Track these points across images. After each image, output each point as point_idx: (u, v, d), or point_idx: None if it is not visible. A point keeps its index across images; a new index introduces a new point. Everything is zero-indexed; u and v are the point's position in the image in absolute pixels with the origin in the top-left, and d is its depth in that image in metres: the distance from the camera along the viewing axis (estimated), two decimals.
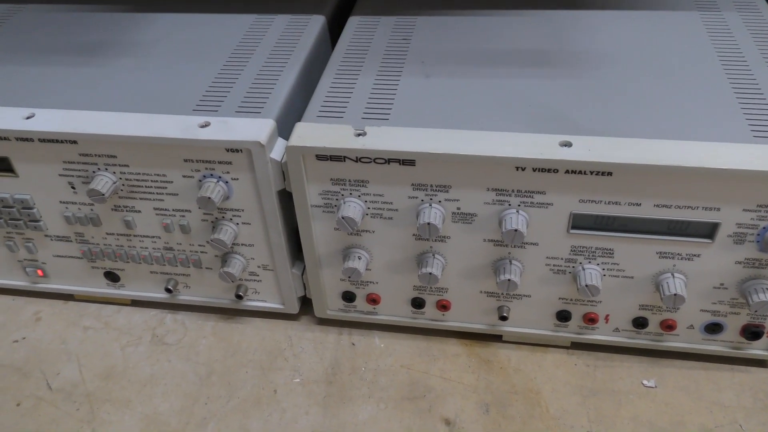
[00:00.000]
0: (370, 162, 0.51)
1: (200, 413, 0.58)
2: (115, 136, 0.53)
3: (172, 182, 0.56)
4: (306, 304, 0.65)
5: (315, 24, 0.68)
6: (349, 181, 0.52)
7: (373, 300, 0.61)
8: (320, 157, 0.51)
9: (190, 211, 0.58)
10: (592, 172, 0.48)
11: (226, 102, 0.56)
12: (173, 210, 0.58)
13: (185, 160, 0.54)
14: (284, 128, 0.55)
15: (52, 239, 0.63)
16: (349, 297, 0.61)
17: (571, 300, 0.57)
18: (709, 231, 0.50)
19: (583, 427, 0.55)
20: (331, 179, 0.53)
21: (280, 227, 0.57)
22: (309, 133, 0.51)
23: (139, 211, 0.59)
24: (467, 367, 0.60)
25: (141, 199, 0.58)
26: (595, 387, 0.58)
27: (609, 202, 0.50)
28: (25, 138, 0.55)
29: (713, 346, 0.58)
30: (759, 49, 0.59)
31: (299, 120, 0.54)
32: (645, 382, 0.58)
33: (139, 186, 0.57)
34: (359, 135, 0.51)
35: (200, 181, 0.55)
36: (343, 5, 0.75)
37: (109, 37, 0.67)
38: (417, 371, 0.60)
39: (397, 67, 0.60)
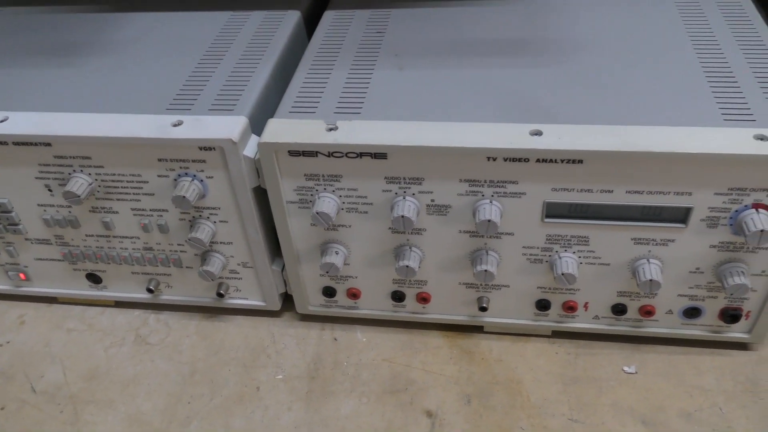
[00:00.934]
0: (343, 156, 0.51)
1: (183, 412, 0.58)
2: (89, 137, 0.53)
3: (147, 182, 0.56)
4: (288, 300, 0.65)
5: (290, 19, 0.68)
6: (323, 176, 0.52)
7: (353, 294, 0.61)
8: (293, 153, 0.51)
9: (167, 210, 0.58)
10: (562, 161, 0.48)
11: (199, 100, 0.56)
12: (150, 210, 0.58)
13: (159, 160, 0.54)
14: (258, 125, 0.55)
15: (32, 242, 0.63)
16: (329, 292, 0.61)
17: (550, 289, 0.57)
18: (682, 216, 0.50)
19: (564, 415, 0.55)
20: (305, 175, 0.53)
21: (257, 224, 0.57)
22: (281, 129, 0.51)
23: (117, 212, 0.59)
24: (449, 359, 0.60)
25: (118, 200, 0.58)
26: (576, 375, 0.58)
27: (581, 190, 0.50)
28: None
29: (692, 331, 0.58)
30: (732, 33, 0.59)
31: (272, 117, 0.54)
32: (626, 368, 0.58)
33: (115, 187, 0.57)
34: (331, 130, 0.51)
35: (175, 180, 0.55)
36: (319, 1, 0.75)
37: (83, 38, 0.67)
38: (399, 364, 0.60)
39: (371, 60, 0.60)
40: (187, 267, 0.62)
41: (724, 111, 0.49)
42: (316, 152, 0.51)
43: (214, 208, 0.57)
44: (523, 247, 0.54)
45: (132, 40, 0.66)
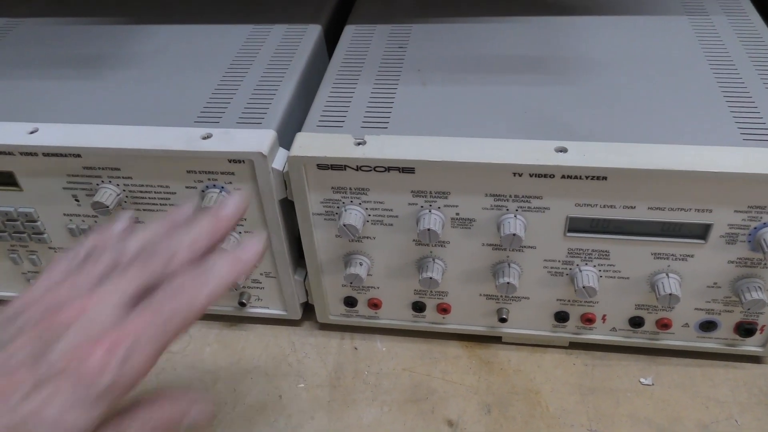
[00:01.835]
0: (371, 170, 0.52)
1: None
2: (119, 149, 0.54)
3: (175, 193, 0.57)
4: (308, 309, 0.66)
5: (312, 33, 0.69)
6: (350, 189, 0.53)
7: (374, 305, 0.62)
8: (321, 167, 0.52)
9: None
10: (587, 177, 0.49)
11: (227, 113, 0.57)
12: None
13: (188, 172, 0.55)
14: (284, 137, 0.56)
15: (56, 251, 0.64)
16: (350, 302, 0.62)
17: (569, 301, 0.58)
18: (702, 232, 0.51)
19: (583, 426, 0.56)
20: (332, 187, 0.54)
21: (283, 235, 0.58)
22: (310, 143, 0.53)
23: (143, 222, 0.60)
24: (468, 369, 0.61)
25: (144, 210, 0.59)
26: (594, 385, 0.59)
27: (604, 206, 0.51)
28: (29, 152, 0.56)
29: (708, 344, 0.59)
30: (747, 53, 0.61)
31: (298, 129, 0.55)
32: (642, 380, 0.59)
33: (142, 197, 0.58)
34: (359, 144, 0.52)
35: (203, 191, 0.56)
36: (339, 14, 0.76)
37: (109, 50, 0.68)
38: (419, 374, 0.61)
39: (394, 75, 0.61)
40: None
41: (743, 130, 0.51)
42: (345, 166, 0.52)
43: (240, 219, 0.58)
44: (545, 260, 0.55)
45: (156, 52, 0.67)
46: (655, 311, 0.57)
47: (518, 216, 0.52)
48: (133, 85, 0.62)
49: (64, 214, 0.61)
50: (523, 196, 0.51)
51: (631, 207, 0.50)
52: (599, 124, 0.53)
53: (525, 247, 0.55)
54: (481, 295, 0.59)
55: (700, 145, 0.49)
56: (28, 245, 0.64)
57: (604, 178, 0.49)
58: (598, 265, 0.55)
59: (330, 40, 0.72)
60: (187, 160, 0.54)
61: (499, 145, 0.50)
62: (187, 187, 0.56)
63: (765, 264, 0.52)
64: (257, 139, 0.53)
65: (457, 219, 0.54)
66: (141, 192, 0.57)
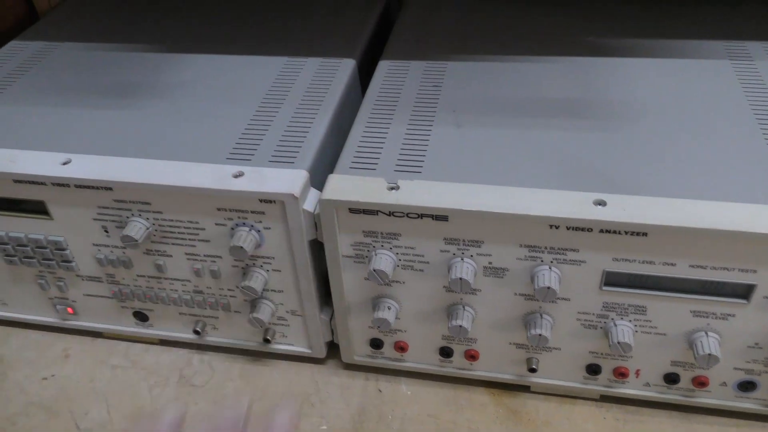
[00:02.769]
0: (403, 216, 0.51)
1: None
2: (151, 184, 0.54)
3: (204, 229, 0.56)
4: (333, 347, 0.65)
5: (345, 68, 0.68)
6: (381, 233, 0.53)
7: (401, 348, 0.61)
8: (353, 210, 0.51)
9: (221, 257, 0.58)
10: (626, 232, 0.48)
11: (259, 150, 0.57)
12: (204, 256, 0.58)
13: (218, 209, 0.55)
14: (316, 177, 0.55)
15: (83, 279, 0.64)
16: (376, 344, 0.61)
17: (602, 354, 0.56)
18: (744, 292, 0.49)
19: None
20: (363, 231, 0.53)
21: (311, 275, 0.57)
22: (342, 186, 0.52)
23: (171, 256, 0.59)
24: (495, 418, 0.60)
25: (173, 244, 0.58)
26: None
27: (643, 261, 0.49)
28: (61, 183, 0.56)
29: (746, 404, 0.57)
30: None
31: (330, 168, 0.54)
32: None
33: (171, 232, 0.57)
34: (392, 189, 0.51)
35: (233, 229, 0.55)
36: (372, 49, 0.76)
37: (142, 79, 0.68)
38: (444, 421, 0.60)
39: (429, 115, 0.60)
40: (235, 311, 0.63)
41: None
42: (377, 211, 0.51)
43: (268, 257, 0.57)
44: (579, 312, 0.54)
45: (189, 83, 0.67)
46: (692, 369, 0.56)
47: (553, 268, 0.51)
48: (167, 117, 0.62)
49: (93, 244, 0.60)
50: (558, 249, 0.50)
51: (672, 264, 0.49)
52: (639, 175, 0.51)
53: (559, 298, 0.53)
54: (510, 343, 0.58)
55: (744, 203, 0.47)
56: (56, 272, 0.64)
57: (644, 234, 0.48)
58: (634, 320, 0.53)
59: (363, 71, 0.71)
60: (218, 198, 0.54)
61: (536, 196, 0.49)
62: (216, 224, 0.56)
63: None
64: (289, 180, 0.53)
65: (489, 268, 0.52)
66: (170, 226, 0.57)
